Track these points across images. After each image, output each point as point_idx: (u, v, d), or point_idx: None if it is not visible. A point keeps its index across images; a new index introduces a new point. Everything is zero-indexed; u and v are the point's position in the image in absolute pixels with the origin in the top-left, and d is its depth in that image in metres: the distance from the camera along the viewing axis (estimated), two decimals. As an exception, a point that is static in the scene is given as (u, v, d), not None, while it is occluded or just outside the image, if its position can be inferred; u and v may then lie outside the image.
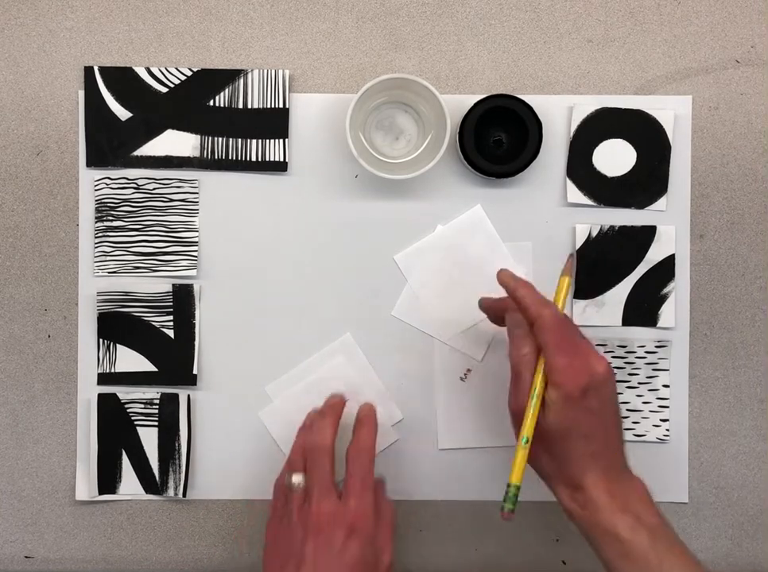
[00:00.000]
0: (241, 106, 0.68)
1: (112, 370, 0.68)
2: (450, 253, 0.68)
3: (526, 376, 0.57)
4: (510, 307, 0.60)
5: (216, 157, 0.68)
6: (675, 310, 0.68)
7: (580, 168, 0.68)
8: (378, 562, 0.58)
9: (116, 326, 0.68)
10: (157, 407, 0.68)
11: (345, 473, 0.59)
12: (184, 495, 0.68)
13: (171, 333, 0.68)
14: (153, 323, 0.68)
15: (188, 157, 0.68)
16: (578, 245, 0.68)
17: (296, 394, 0.68)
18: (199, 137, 0.68)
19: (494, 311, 0.63)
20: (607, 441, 0.56)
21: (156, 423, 0.68)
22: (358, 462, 0.59)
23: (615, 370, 0.68)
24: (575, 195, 0.68)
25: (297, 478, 0.60)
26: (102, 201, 0.68)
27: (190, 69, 0.68)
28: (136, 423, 0.68)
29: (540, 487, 0.68)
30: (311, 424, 0.63)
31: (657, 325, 0.68)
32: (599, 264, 0.68)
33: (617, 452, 0.57)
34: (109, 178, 0.68)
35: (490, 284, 0.60)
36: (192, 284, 0.68)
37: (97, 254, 0.68)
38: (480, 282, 0.66)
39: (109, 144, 0.68)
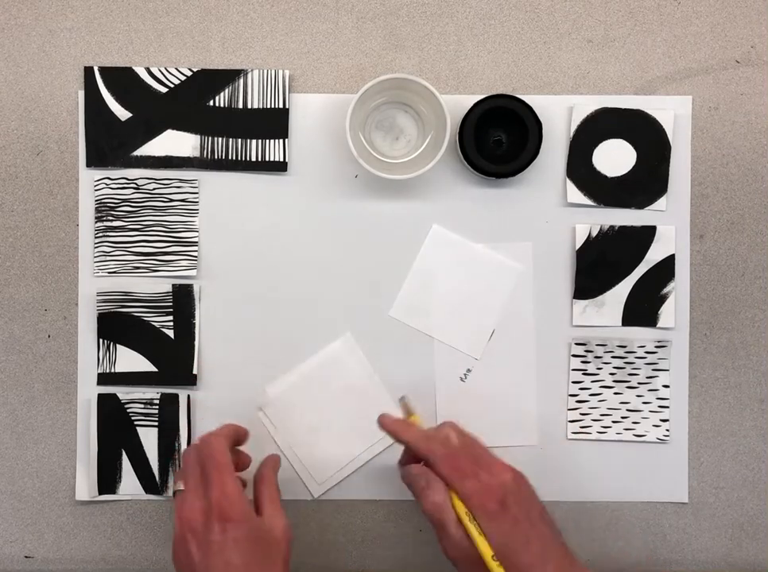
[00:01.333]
0: (241, 106, 0.68)
1: (112, 370, 0.68)
2: (319, 389, 0.68)
3: (449, 521, 0.56)
4: (401, 459, 0.62)
5: (216, 157, 0.68)
6: (675, 310, 0.68)
7: (580, 168, 0.68)
8: (270, 531, 0.56)
9: (116, 326, 0.68)
10: (157, 407, 0.68)
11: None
12: (184, 495, 0.68)
13: (171, 333, 0.68)
14: (153, 323, 0.68)
15: (188, 157, 0.68)
16: (578, 245, 0.68)
17: (295, 394, 0.68)
18: (199, 137, 0.68)
19: (393, 435, 0.62)
20: (545, 540, 0.56)
21: (156, 423, 0.68)
22: (212, 460, 0.57)
23: (615, 370, 0.69)
24: (575, 195, 0.68)
25: (176, 486, 0.58)
26: (102, 201, 0.68)
27: (190, 69, 0.68)
28: (136, 423, 0.68)
29: (539, 487, 0.69)
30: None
31: (657, 325, 0.68)
32: (599, 264, 0.68)
33: (561, 547, 0.57)
34: (109, 178, 0.68)
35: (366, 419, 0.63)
36: (191, 284, 0.68)
37: (97, 254, 0.68)
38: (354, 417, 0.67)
39: (109, 144, 0.68)
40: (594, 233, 0.68)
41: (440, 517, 0.56)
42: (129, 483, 0.68)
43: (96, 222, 0.68)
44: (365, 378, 0.68)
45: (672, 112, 0.68)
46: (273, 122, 0.68)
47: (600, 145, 0.68)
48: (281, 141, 0.68)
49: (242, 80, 0.68)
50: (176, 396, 0.68)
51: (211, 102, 0.68)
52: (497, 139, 0.68)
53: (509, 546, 0.55)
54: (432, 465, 0.58)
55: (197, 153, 0.68)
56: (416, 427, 0.61)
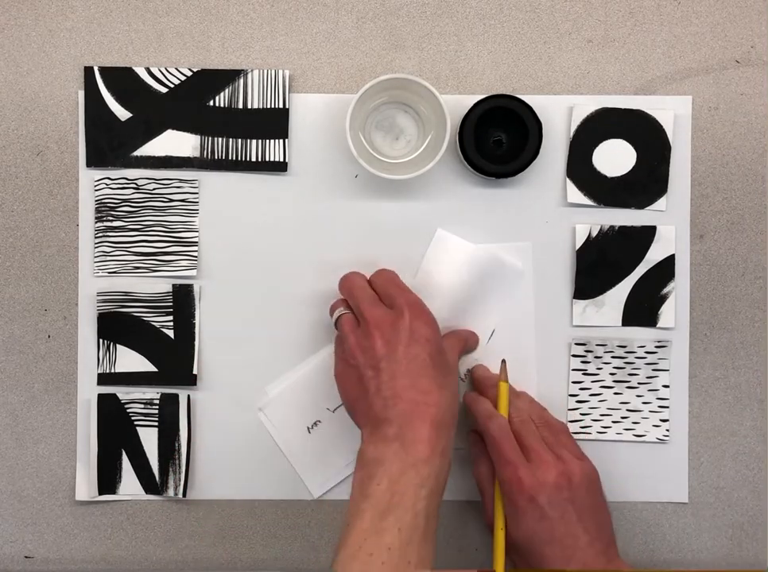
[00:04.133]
0: (241, 106, 0.68)
1: (112, 370, 0.68)
2: (319, 385, 0.68)
3: (487, 494, 0.63)
4: (472, 424, 0.65)
5: (216, 157, 0.68)
6: (675, 310, 0.68)
7: (580, 168, 0.68)
8: (443, 353, 0.60)
9: (116, 326, 0.68)
10: (157, 407, 0.68)
11: (380, 294, 0.62)
12: (184, 495, 0.68)
13: (171, 333, 0.68)
14: (153, 323, 0.68)
15: (188, 157, 0.68)
16: (578, 245, 0.68)
17: (295, 393, 0.68)
18: (199, 137, 0.68)
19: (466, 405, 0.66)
20: (575, 540, 0.58)
21: (156, 423, 0.68)
22: (388, 279, 0.63)
23: (615, 370, 0.69)
24: (575, 195, 0.68)
25: (340, 310, 0.63)
26: (102, 201, 0.68)
27: (190, 69, 0.68)
28: (136, 423, 0.68)
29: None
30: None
31: (657, 325, 0.68)
32: (599, 264, 0.68)
33: (594, 550, 0.58)
34: (109, 178, 0.68)
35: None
36: (191, 284, 0.68)
37: (97, 254, 0.68)
38: None
39: (109, 144, 0.68)
40: (594, 233, 0.68)
41: (480, 487, 0.63)
42: (129, 483, 0.68)
43: (96, 222, 0.68)
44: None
45: (672, 112, 0.68)
46: (273, 122, 0.68)
47: (600, 145, 0.68)
48: (281, 141, 0.68)
49: (242, 80, 0.68)
50: (176, 396, 0.68)
51: (211, 102, 0.68)
52: (497, 139, 0.68)
53: (531, 540, 0.58)
54: (486, 443, 0.62)
55: (197, 153, 0.68)
56: (485, 401, 0.64)
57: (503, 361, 0.65)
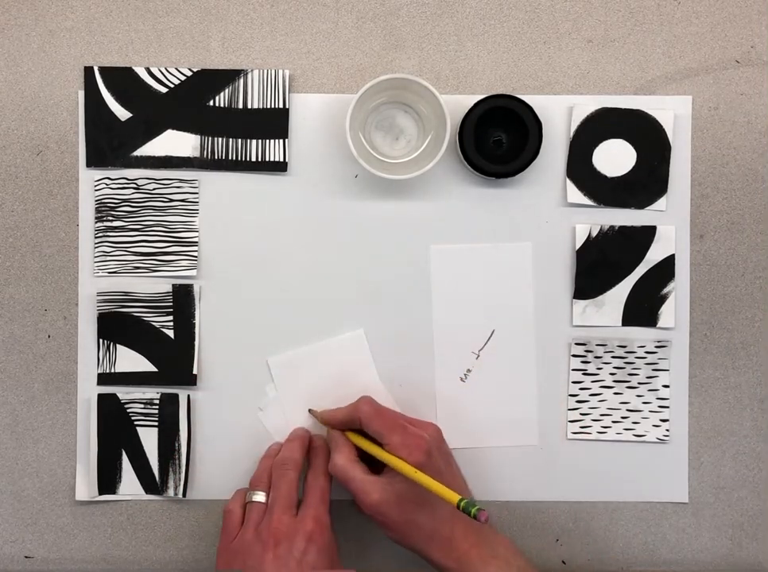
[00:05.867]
0: (241, 106, 0.68)
1: (112, 370, 0.68)
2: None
3: (356, 476, 0.61)
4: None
5: (216, 157, 0.68)
6: (675, 310, 0.68)
7: (580, 168, 0.68)
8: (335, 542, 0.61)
9: (116, 326, 0.68)
10: (157, 407, 0.68)
11: (304, 492, 0.62)
12: (184, 495, 0.68)
13: (171, 333, 0.68)
14: (153, 323, 0.68)
15: (188, 157, 0.68)
16: (578, 245, 0.68)
17: (295, 393, 0.68)
18: (199, 137, 0.68)
19: (327, 420, 0.67)
20: (461, 489, 0.61)
21: (156, 423, 0.68)
22: (317, 482, 0.63)
23: (615, 370, 0.69)
24: (575, 195, 0.68)
25: (259, 496, 0.63)
26: (102, 201, 0.68)
27: (190, 69, 0.68)
28: (136, 423, 0.68)
29: (539, 487, 0.69)
30: (277, 449, 0.66)
31: (657, 325, 0.68)
32: (599, 264, 0.68)
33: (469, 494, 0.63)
34: (109, 178, 0.68)
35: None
36: (191, 284, 0.68)
37: (97, 254, 0.68)
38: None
39: (109, 144, 0.68)
40: (594, 234, 0.68)
41: (344, 476, 0.61)
42: (129, 483, 0.68)
43: (96, 222, 0.68)
44: (365, 377, 0.68)
45: (672, 112, 0.68)
46: (273, 122, 0.68)
47: (600, 145, 0.68)
48: (281, 141, 0.68)
49: (242, 80, 0.68)
50: (176, 396, 0.68)
51: (211, 102, 0.68)
52: (497, 139, 0.68)
53: (430, 496, 0.58)
54: (363, 425, 0.62)
55: (197, 153, 0.68)
56: (336, 412, 0.65)
57: (310, 411, 0.68)
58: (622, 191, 0.68)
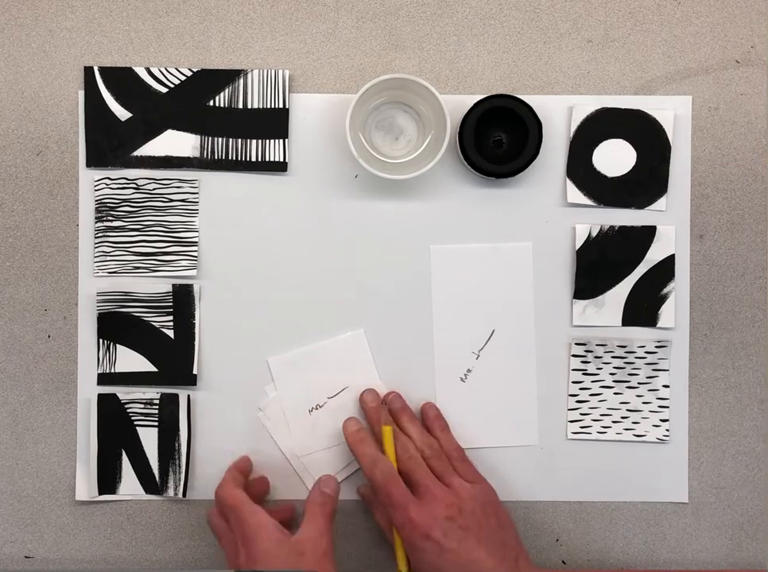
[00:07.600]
0: (241, 106, 0.68)
1: (112, 370, 0.68)
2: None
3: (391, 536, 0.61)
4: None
5: (216, 157, 0.68)
6: (675, 310, 0.68)
7: (580, 168, 0.68)
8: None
9: (116, 326, 0.68)
10: (157, 407, 0.68)
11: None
12: (184, 495, 0.68)
13: (171, 333, 0.68)
14: (153, 323, 0.68)
15: (188, 157, 0.68)
16: (578, 245, 0.68)
17: (295, 393, 0.68)
18: (199, 137, 0.68)
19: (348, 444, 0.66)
20: (479, 566, 0.57)
21: (156, 423, 0.68)
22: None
23: (615, 370, 0.69)
24: (575, 195, 0.68)
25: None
26: (102, 201, 0.68)
27: (190, 69, 0.68)
28: (136, 423, 0.68)
29: (539, 487, 0.69)
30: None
31: (657, 325, 0.68)
32: (599, 264, 0.68)
33: (507, 569, 0.58)
34: (109, 178, 0.68)
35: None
36: (191, 284, 0.68)
37: (97, 254, 0.68)
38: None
39: (109, 144, 0.68)
40: (594, 233, 0.68)
41: (385, 534, 0.64)
42: (129, 483, 0.68)
43: (96, 222, 0.68)
44: (366, 377, 0.68)
45: (672, 112, 0.68)
46: (273, 122, 0.68)
47: (600, 145, 0.68)
48: (281, 141, 0.68)
49: (242, 80, 0.68)
50: (176, 396, 0.68)
51: (211, 102, 0.68)
52: (497, 139, 0.68)
53: None
54: (373, 489, 0.62)
55: (197, 153, 0.68)
56: (368, 445, 0.63)
57: (383, 404, 0.66)
58: (622, 191, 0.68)
